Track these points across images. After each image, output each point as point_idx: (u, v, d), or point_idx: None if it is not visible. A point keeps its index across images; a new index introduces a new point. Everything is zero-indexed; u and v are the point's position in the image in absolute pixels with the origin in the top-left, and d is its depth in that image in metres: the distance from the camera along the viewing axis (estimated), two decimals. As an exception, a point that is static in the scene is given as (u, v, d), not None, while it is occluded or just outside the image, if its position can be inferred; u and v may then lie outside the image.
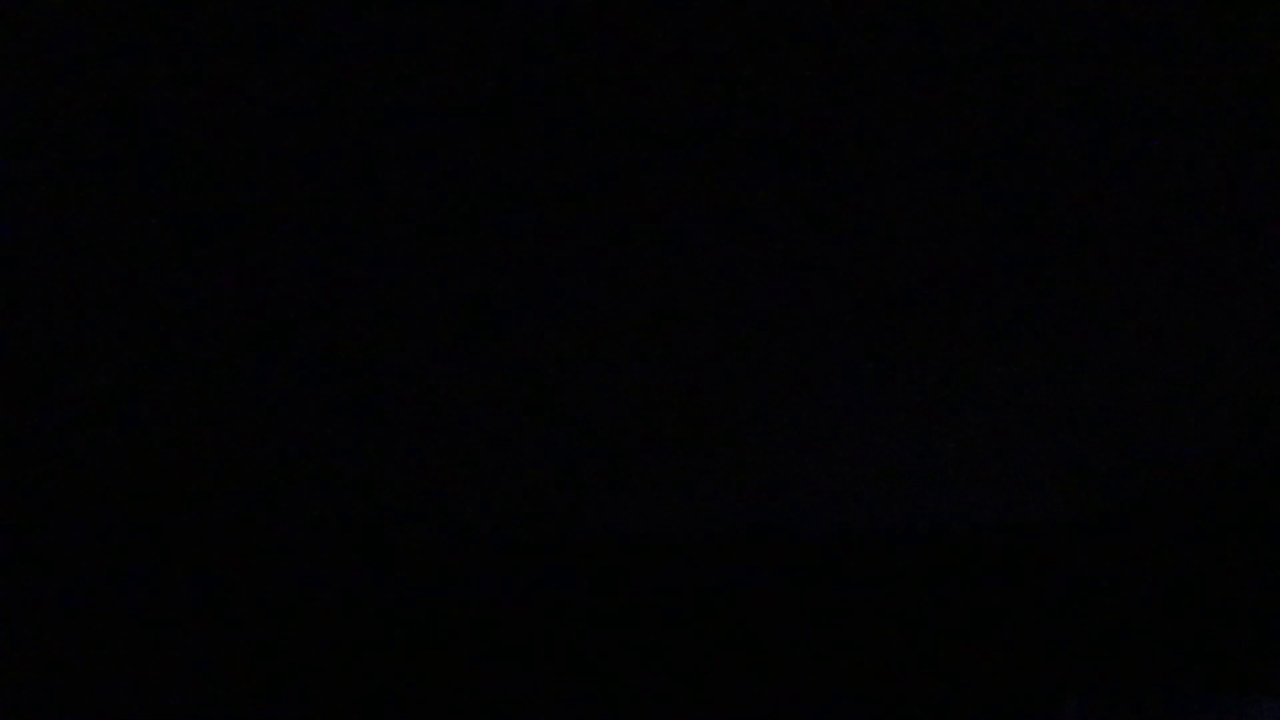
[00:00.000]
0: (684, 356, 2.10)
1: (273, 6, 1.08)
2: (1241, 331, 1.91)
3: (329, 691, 3.93)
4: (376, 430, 2.64)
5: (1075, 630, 3.83)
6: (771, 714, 3.76)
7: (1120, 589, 3.69)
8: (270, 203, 1.49)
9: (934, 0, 1.06)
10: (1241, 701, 3.54)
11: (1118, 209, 1.49)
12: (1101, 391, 2.28)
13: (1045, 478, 3.09)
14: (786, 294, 1.78)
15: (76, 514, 3.27)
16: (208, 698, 3.82)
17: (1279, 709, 3.57)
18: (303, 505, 3.47)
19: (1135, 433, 2.60)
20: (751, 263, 1.66)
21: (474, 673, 3.91)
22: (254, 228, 1.57)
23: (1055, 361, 2.10)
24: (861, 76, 1.20)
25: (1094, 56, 1.15)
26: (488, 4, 1.08)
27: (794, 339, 1.99)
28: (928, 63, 1.17)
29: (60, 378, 2.25)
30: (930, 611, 3.91)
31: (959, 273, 1.69)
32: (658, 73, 1.20)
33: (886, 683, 3.84)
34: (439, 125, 1.30)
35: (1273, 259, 1.63)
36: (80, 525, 3.30)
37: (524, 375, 2.21)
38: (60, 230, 1.58)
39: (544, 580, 3.98)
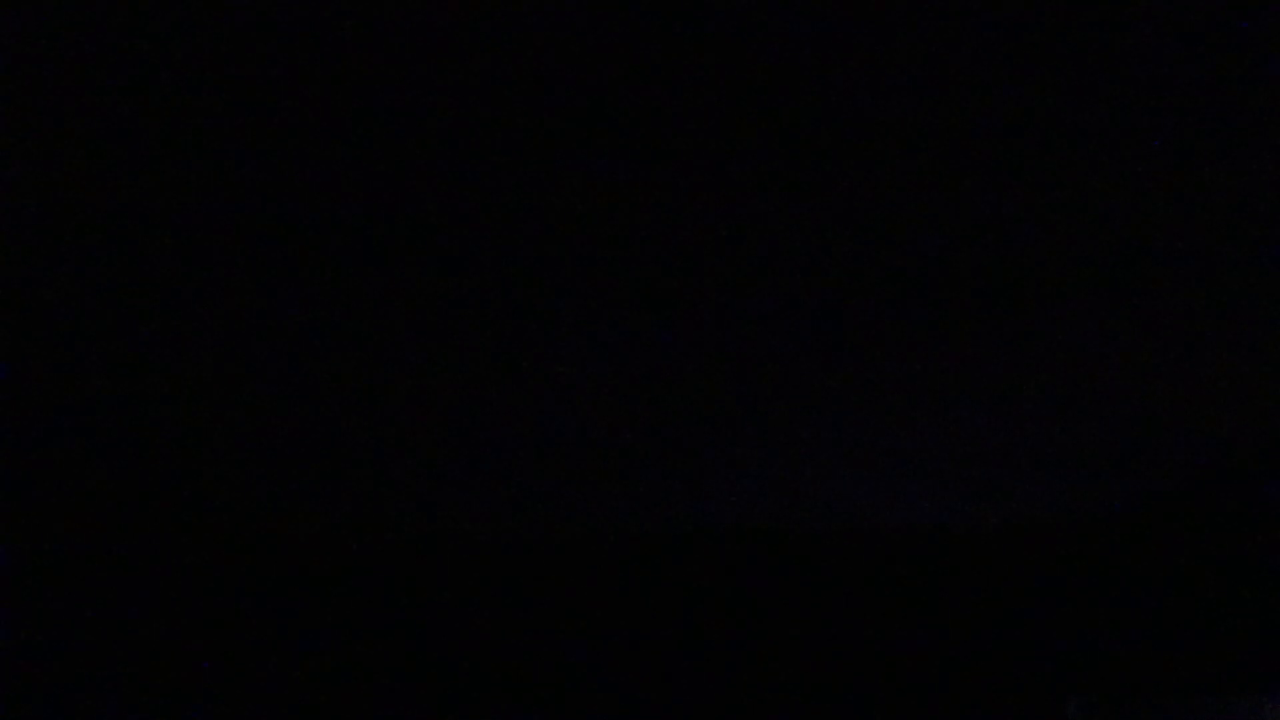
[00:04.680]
0: (685, 356, 2.09)
1: (273, 7, 1.09)
2: (1241, 332, 1.91)
3: (329, 691, 3.93)
4: (376, 431, 2.64)
5: (1075, 630, 3.83)
6: (771, 714, 3.76)
7: (1121, 589, 3.70)
8: (272, 203, 1.49)
9: (934, 3, 1.06)
10: (1241, 701, 3.54)
11: (1118, 210, 1.49)
12: (1103, 393, 2.28)
13: (1047, 477, 3.09)
14: (789, 297, 1.78)
15: (76, 515, 3.27)
16: (208, 698, 3.82)
17: (1279, 708, 3.57)
18: (305, 506, 3.47)
19: (1136, 433, 2.60)
20: (753, 263, 1.67)
21: (474, 672, 3.91)
22: (257, 228, 1.57)
23: (1056, 364, 2.10)
24: (863, 78, 1.20)
25: (1098, 59, 1.16)
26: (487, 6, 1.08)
27: (795, 341, 1.99)
28: (931, 65, 1.18)
29: (60, 379, 2.25)
30: (930, 611, 3.91)
31: (958, 275, 1.69)
32: (660, 77, 1.20)
33: (887, 683, 3.84)
34: (447, 126, 1.31)
35: (1273, 259, 1.63)
36: (80, 525, 3.30)
37: (525, 377, 2.21)
38: (61, 230, 1.58)
39: (545, 579, 3.98)
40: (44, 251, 1.67)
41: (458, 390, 2.33)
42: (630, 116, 1.29)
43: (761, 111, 1.28)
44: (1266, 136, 1.31)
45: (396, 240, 1.62)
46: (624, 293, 1.80)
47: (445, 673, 4.01)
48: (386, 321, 1.95)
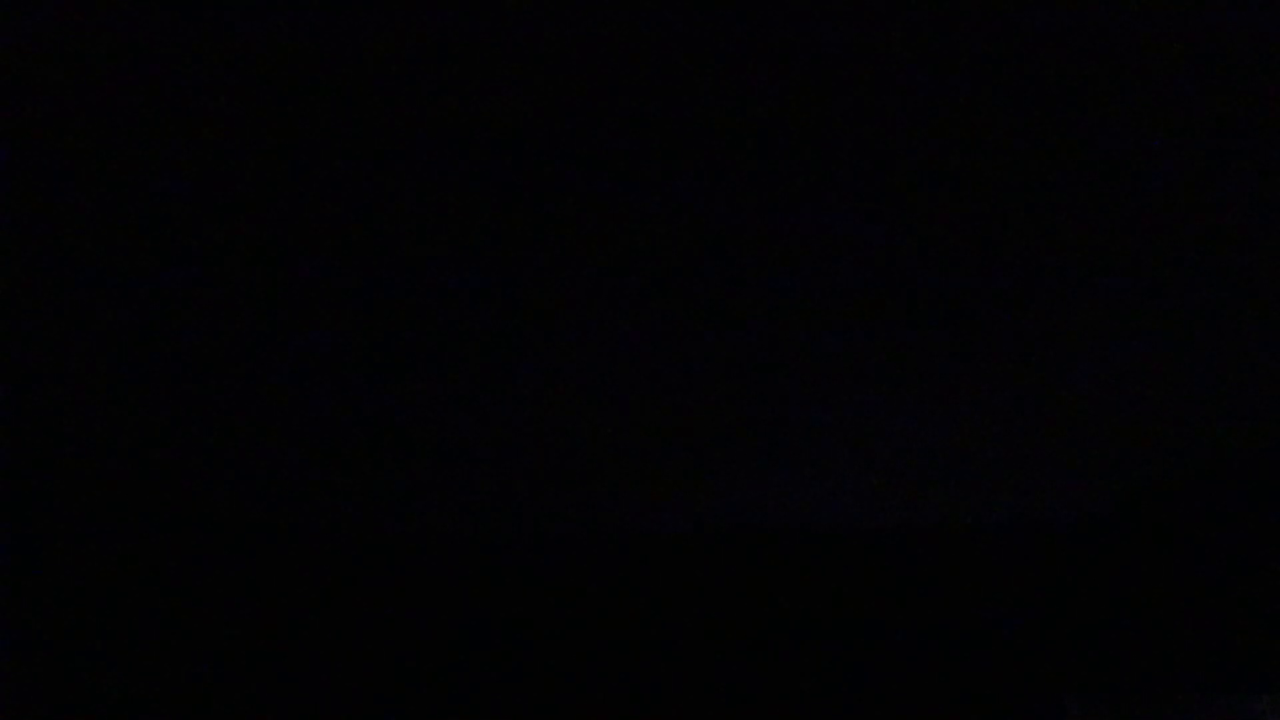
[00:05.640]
0: (686, 356, 2.10)
1: (273, 8, 1.09)
2: (1241, 333, 1.92)
3: (328, 692, 3.94)
4: (376, 432, 2.64)
5: (1075, 630, 3.83)
6: (771, 714, 3.77)
7: (1120, 588, 3.70)
8: (273, 205, 1.50)
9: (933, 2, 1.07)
10: (1241, 701, 3.55)
11: (1119, 211, 1.49)
12: (1103, 393, 2.28)
13: (1047, 478, 3.09)
14: (790, 296, 1.78)
15: (76, 515, 3.27)
16: (207, 698, 3.82)
17: (1278, 706, 3.58)
18: (307, 507, 3.48)
19: (1136, 434, 2.60)
20: (753, 262, 1.67)
21: (474, 672, 3.91)
22: (258, 229, 1.58)
23: (1056, 364, 2.10)
24: (864, 76, 1.21)
25: (1096, 56, 1.16)
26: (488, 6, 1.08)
27: (797, 341, 1.99)
28: (929, 63, 1.18)
29: (60, 380, 2.26)
30: (931, 611, 3.91)
31: (960, 274, 1.69)
32: (662, 74, 1.20)
33: (887, 682, 3.84)
34: (446, 129, 1.31)
35: (1272, 260, 1.63)
36: (79, 526, 3.31)
37: (527, 377, 2.22)
38: (61, 231, 1.59)
39: (547, 579, 3.98)
40: (43, 251, 1.67)
41: (456, 393, 2.34)
42: (631, 113, 1.30)
43: (760, 113, 1.28)
44: (1267, 136, 1.32)
45: (400, 241, 1.62)
46: (626, 294, 1.81)
47: (445, 675, 4.02)
48: (388, 324, 1.95)
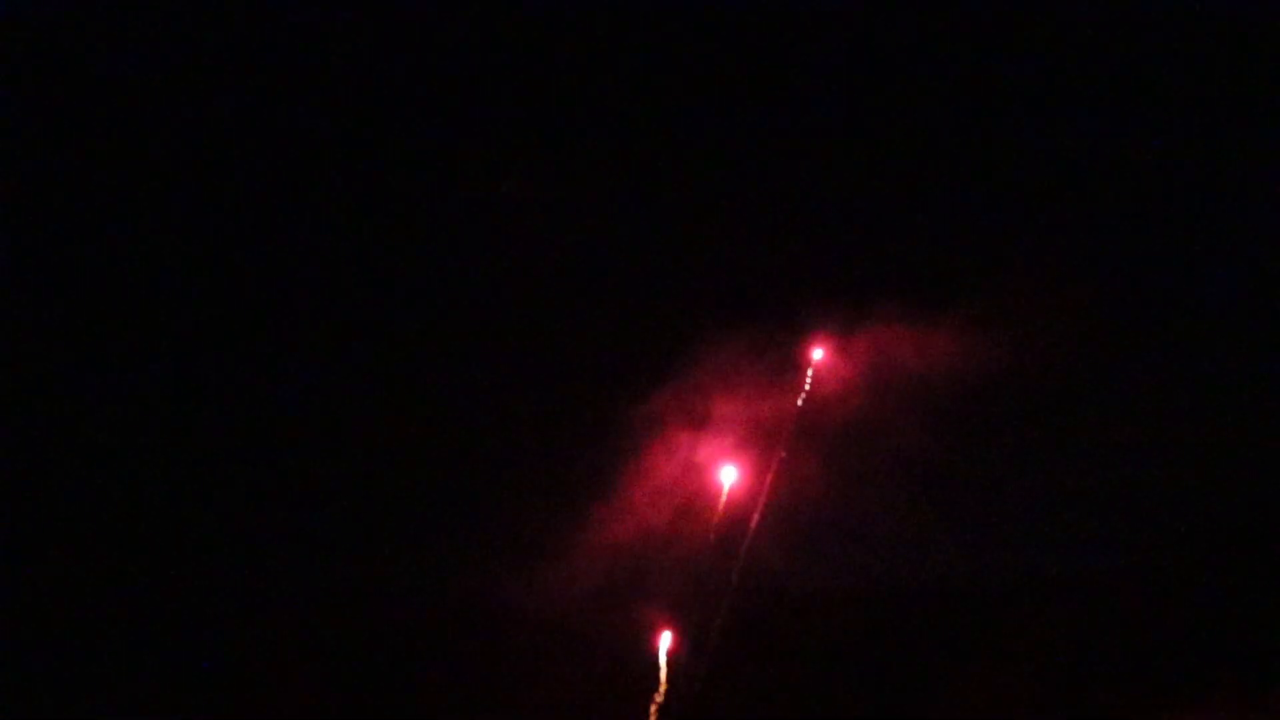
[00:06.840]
0: (687, 369, 2.09)
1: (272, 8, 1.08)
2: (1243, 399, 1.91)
3: (327, 692, 3.95)
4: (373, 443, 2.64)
5: (1076, 635, 3.84)
6: (774, 716, 3.78)
7: (1124, 593, 3.72)
8: (264, 214, 1.49)
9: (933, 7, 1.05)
10: (1242, 701, 3.57)
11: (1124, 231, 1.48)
12: (1134, 449, 2.28)
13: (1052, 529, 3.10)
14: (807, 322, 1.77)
15: (75, 526, 3.28)
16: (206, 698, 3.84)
17: (1279, 709, 3.60)
18: (306, 515, 3.48)
19: (1142, 486, 2.60)
20: (768, 296, 1.66)
21: (473, 674, 3.92)
22: (252, 242, 1.57)
23: (1087, 424, 2.09)
24: (868, 81, 1.20)
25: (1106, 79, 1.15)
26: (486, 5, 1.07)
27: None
28: (931, 74, 1.17)
29: (59, 393, 2.25)
30: (932, 612, 3.93)
31: (970, 275, 1.68)
32: (663, 71, 1.19)
33: (889, 682, 3.86)
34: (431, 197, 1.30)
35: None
36: (79, 536, 3.31)
37: (525, 388, 2.21)
38: (61, 244, 1.58)
39: (547, 584, 3.99)
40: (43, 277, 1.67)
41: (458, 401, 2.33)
42: (633, 125, 1.29)
43: (770, 117, 1.27)
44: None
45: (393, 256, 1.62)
46: (626, 309, 1.80)
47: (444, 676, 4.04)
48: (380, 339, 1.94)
